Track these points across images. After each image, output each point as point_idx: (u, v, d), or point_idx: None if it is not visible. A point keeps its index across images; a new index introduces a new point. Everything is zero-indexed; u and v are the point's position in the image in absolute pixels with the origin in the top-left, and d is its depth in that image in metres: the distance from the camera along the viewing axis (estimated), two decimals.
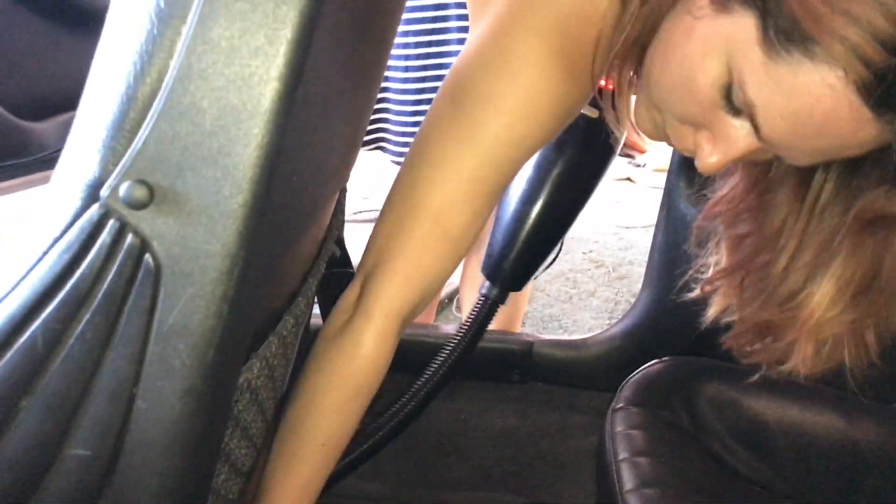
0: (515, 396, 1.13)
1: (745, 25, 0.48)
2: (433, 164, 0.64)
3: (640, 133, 0.63)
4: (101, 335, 0.39)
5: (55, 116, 1.21)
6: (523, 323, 2.11)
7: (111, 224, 0.38)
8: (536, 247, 1.01)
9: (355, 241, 0.85)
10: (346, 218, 0.85)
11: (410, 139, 1.34)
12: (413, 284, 0.66)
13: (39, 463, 0.41)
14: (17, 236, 0.40)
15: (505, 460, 1.16)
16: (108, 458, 0.41)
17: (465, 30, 1.27)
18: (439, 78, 1.29)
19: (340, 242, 0.91)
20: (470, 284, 1.59)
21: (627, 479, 0.75)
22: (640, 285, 1.15)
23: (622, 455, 0.79)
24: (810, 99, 0.46)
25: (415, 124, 1.33)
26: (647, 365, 0.95)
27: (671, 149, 1.03)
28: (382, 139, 1.40)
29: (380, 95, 1.35)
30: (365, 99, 0.66)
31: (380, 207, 0.70)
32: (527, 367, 1.13)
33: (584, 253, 2.62)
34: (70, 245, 0.38)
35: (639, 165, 3.50)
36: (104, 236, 0.38)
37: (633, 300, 1.16)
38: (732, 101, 0.50)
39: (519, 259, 1.00)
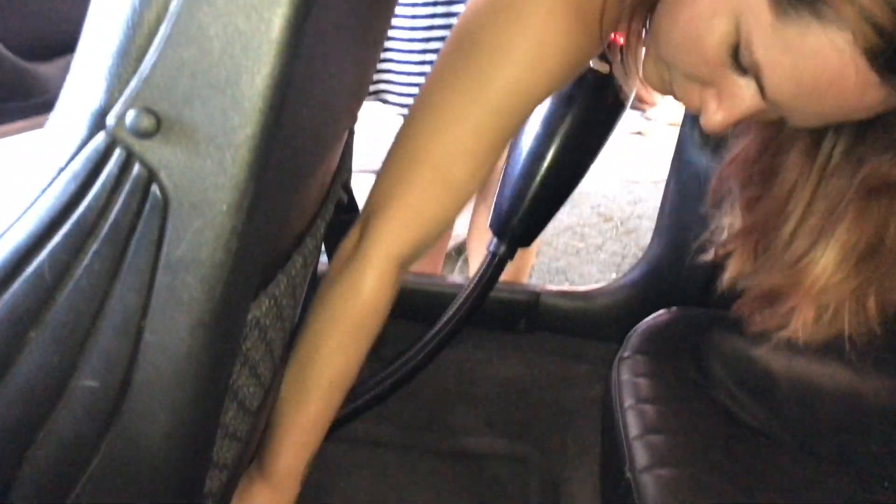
0: (522, 345, 1.13)
1: None
2: (437, 113, 0.64)
3: (648, 87, 0.62)
4: (108, 267, 0.39)
5: (59, 58, 1.20)
6: (530, 276, 2.11)
7: (117, 153, 0.37)
8: (544, 204, 1.01)
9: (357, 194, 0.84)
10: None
11: (415, 90, 1.32)
12: (412, 230, 0.66)
13: (48, 394, 0.41)
14: (21, 178, 0.39)
15: (510, 408, 1.17)
16: (117, 390, 0.41)
17: None
18: (447, 27, 1.27)
19: (348, 188, 0.90)
20: (477, 237, 1.59)
21: (633, 425, 0.76)
22: (647, 240, 1.15)
23: (628, 402, 0.79)
24: (817, 61, 0.45)
25: (420, 74, 1.31)
26: (654, 315, 0.94)
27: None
28: (385, 90, 1.38)
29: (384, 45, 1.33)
30: (374, 38, 0.65)
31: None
32: (533, 316, 1.14)
33: (592, 207, 2.61)
34: (76, 175, 0.37)
35: (650, 119, 3.46)
36: (110, 166, 0.37)
37: (640, 254, 1.16)
38: (739, 60, 0.49)
39: (527, 216, 1.00)
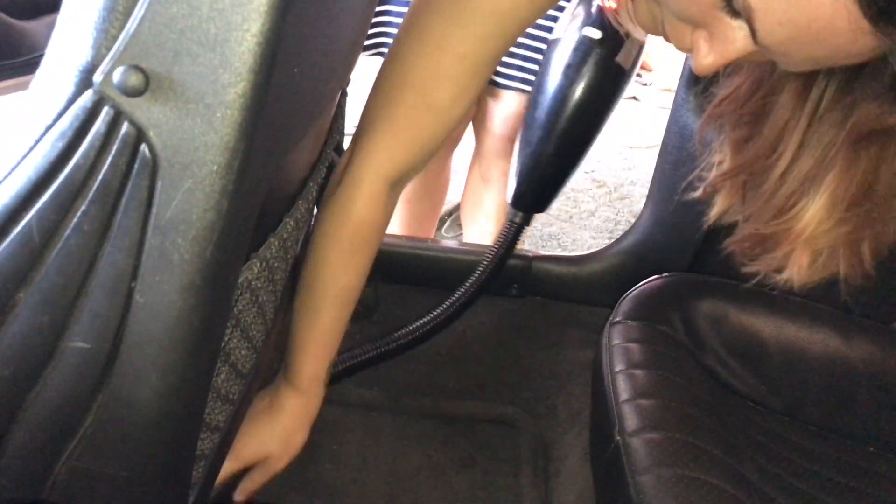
0: (513, 310, 1.13)
1: None
2: (421, 37, 0.65)
3: (638, 25, 0.61)
4: (97, 227, 0.38)
5: (46, 16, 1.17)
6: (522, 241, 2.11)
7: (105, 111, 0.37)
8: (556, 171, 1.03)
9: None
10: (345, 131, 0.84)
11: None
12: (397, 152, 0.69)
13: (38, 354, 0.41)
14: (9, 137, 0.38)
15: (502, 371, 1.18)
16: (108, 351, 0.41)
17: None
18: None
19: (340, 150, 0.89)
20: (471, 200, 1.58)
21: (623, 390, 0.76)
22: (640, 206, 1.15)
23: (618, 367, 0.80)
24: (810, 7, 0.45)
25: None
26: (646, 280, 0.95)
27: (680, 67, 1.01)
28: (384, 43, 1.36)
29: None
30: None
31: None
32: (525, 281, 1.14)
33: (585, 172, 2.60)
34: (63, 133, 0.37)
35: (645, 84, 3.43)
36: (98, 124, 0.37)
37: (633, 220, 1.16)
38: (732, 3, 0.49)
39: (540, 184, 1.03)
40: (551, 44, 1.01)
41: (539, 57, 1.23)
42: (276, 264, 0.58)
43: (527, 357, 1.17)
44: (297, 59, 0.44)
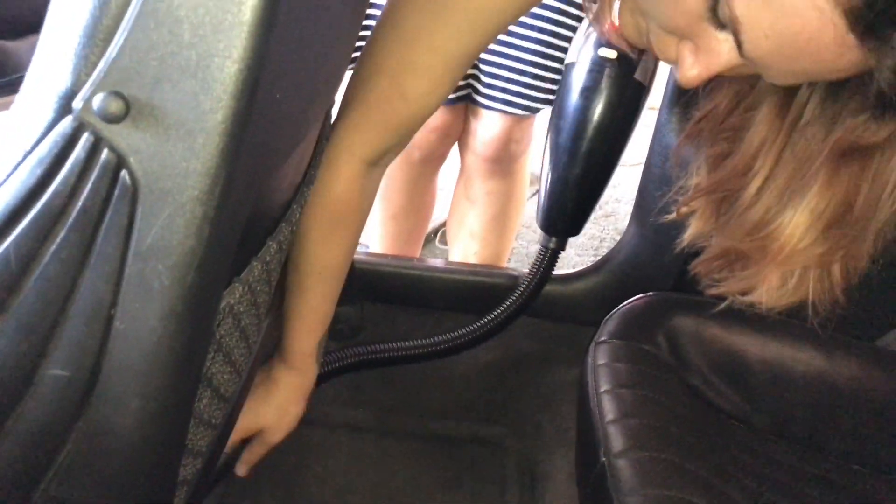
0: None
1: None
2: (395, 26, 0.66)
3: (623, 36, 0.61)
4: (76, 254, 0.38)
5: (32, 35, 1.17)
6: (509, 259, 2.11)
7: (85, 138, 0.36)
8: (585, 194, 1.04)
9: None
10: None
11: None
12: (372, 135, 0.71)
13: (15, 383, 0.40)
14: None
15: (488, 391, 1.18)
16: (87, 378, 0.41)
17: None
18: None
19: None
20: (456, 220, 1.58)
21: (609, 410, 0.76)
22: (625, 224, 1.15)
23: (604, 387, 0.80)
24: (797, 20, 0.45)
25: None
26: (631, 299, 0.95)
27: (664, 86, 1.02)
28: None
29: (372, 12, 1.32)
30: (353, 16, 0.64)
31: None
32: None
33: None
34: (42, 159, 0.36)
35: None
36: (78, 151, 0.36)
37: (618, 238, 1.16)
38: (718, 15, 0.49)
39: (572, 209, 1.05)
40: (567, 67, 1.02)
41: (523, 79, 1.24)
42: (258, 288, 0.58)
43: (513, 376, 1.17)
44: (280, 84, 0.44)
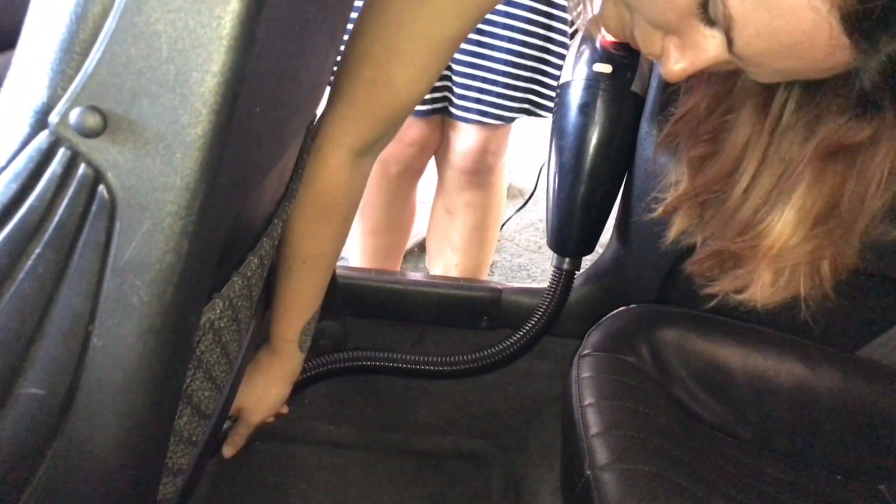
0: (483, 342, 1.13)
1: None
2: (379, 12, 0.66)
3: (605, 30, 0.61)
4: (52, 270, 0.37)
5: (8, 51, 1.16)
6: (492, 272, 2.11)
7: (62, 153, 0.36)
8: (594, 211, 1.03)
9: None
10: None
11: None
12: (358, 124, 0.70)
13: None
14: None
15: (472, 405, 1.17)
16: (64, 396, 0.40)
17: None
18: None
19: None
20: (436, 233, 1.58)
21: (593, 423, 0.76)
22: (608, 236, 1.16)
23: (588, 400, 0.79)
24: (792, 19, 0.45)
25: None
26: (614, 312, 0.95)
27: (645, 101, 1.03)
28: None
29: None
30: (333, 30, 0.63)
31: None
32: (495, 313, 1.14)
33: None
34: (17, 175, 0.36)
35: None
36: (54, 166, 0.36)
37: (601, 251, 1.17)
38: (709, 12, 0.48)
39: (581, 228, 1.04)
40: (563, 87, 1.01)
41: (495, 88, 1.24)
42: (239, 303, 0.57)
43: (497, 390, 1.17)
44: (260, 98, 0.43)
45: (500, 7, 1.16)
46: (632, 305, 0.96)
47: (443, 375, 1.08)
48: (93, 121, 0.35)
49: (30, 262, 0.37)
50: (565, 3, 1.15)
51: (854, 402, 0.84)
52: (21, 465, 0.41)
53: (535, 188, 2.22)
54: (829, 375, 0.86)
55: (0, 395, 0.39)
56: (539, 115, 1.30)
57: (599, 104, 0.96)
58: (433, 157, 1.49)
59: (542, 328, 1.08)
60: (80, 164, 0.36)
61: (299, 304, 0.82)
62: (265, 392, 0.88)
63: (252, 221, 0.59)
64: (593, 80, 0.96)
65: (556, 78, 1.22)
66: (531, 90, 1.26)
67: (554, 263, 1.07)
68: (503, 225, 2.27)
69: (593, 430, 0.75)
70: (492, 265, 2.12)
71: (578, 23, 0.67)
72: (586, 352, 0.86)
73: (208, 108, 0.37)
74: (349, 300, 1.12)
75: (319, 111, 0.75)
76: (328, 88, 0.73)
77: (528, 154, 2.51)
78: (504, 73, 1.22)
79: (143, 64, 0.36)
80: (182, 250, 0.39)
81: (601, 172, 0.99)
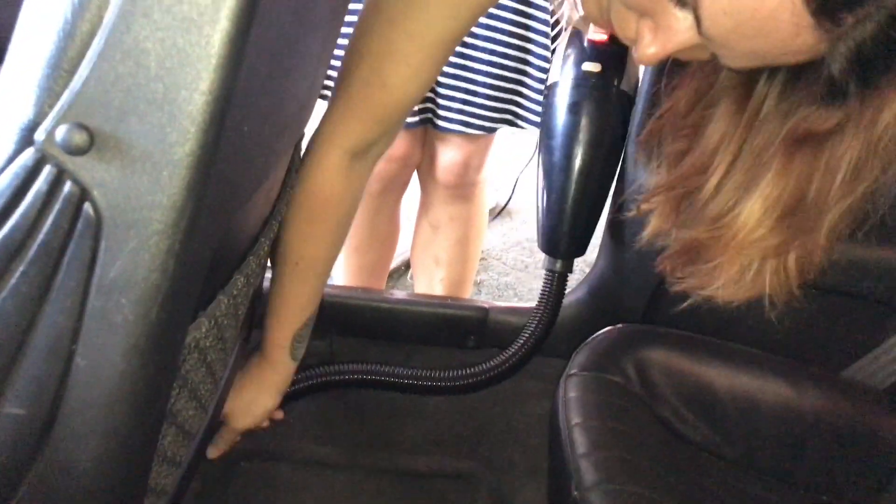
0: (471, 362, 1.13)
1: None
2: (375, 13, 0.67)
3: (584, 13, 0.62)
4: (36, 288, 0.37)
5: None
6: (479, 291, 2.11)
7: (47, 170, 0.36)
8: (585, 212, 1.02)
9: None
10: None
11: None
12: (353, 126, 0.71)
13: None
14: None
15: (459, 425, 1.16)
16: (45, 417, 0.39)
17: None
18: None
19: None
20: (421, 249, 1.58)
21: (580, 443, 0.76)
22: (595, 256, 1.16)
23: (575, 420, 0.79)
24: None
25: None
26: (600, 332, 0.95)
27: (634, 99, 1.03)
28: None
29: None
30: (322, 49, 0.64)
31: None
32: (482, 333, 1.13)
33: None
34: (1, 192, 0.36)
35: None
36: (39, 183, 0.36)
37: (588, 270, 1.17)
38: None
39: (572, 229, 1.02)
40: (550, 88, 1.01)
41: (477, 100, 1.25)
42: (225, 322, 0.57)
43: (484, 410, 1.16)
44: (248, 117, 0.43)
45: (481, 19, 1.17)
46: (618, 325, 0.96)
47: (446, 391, 1.07)
48: (79, 138, 0.35)
49: (13, 281, 0.37)
50: (545, 17, 1.16)
51: (839, 422, 0.84)
52: (1, 487, 0.41)
53: (510, 198, 2.26)
54: (815, 396, 0.86)
55: None
56: (520, 127, 1.30)
57: (589, 102, 0.96)
58: (416, 173, 1.49)
59: (542, 328, 1.07)
60: (65, 181, 0.36)
61: (291, 310, 0.81)
62: (254, 399, 0.87)
63: (239, 240, 0.58)
64: (582, 80, 0.96)
65: (537, 90, 1.22)
66: (513, 101, 1.27)
67: (545, 266, 1.06)
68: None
69: (580, 450, 0.75)
70: (478, 284, 2.12)
71: (563, 22, 0.68)
72: (573, 371, 0.86)
73: (196, 127, 0.36)
74: (335, 318, 1.11)
75: (308, 131, 0.75)
76: (316, 107, 0.73)
77: (505, 164, 2.51)
78: (486, 85, 1.23)
79: (132, 82, 0.36)
80: (168, 269, 0.38)
81: (592, 171, 0.98)
